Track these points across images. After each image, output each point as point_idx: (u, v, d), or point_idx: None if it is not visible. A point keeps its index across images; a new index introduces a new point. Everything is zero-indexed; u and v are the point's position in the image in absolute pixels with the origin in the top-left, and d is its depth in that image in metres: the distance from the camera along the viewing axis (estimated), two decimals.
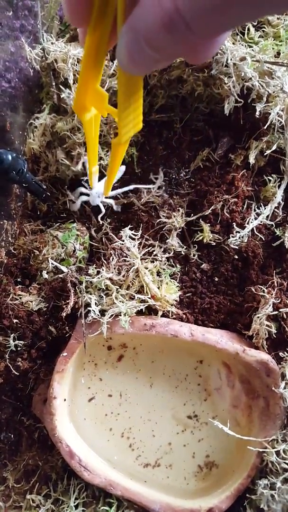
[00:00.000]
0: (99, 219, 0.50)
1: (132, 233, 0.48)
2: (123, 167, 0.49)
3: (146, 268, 0.46)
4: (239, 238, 0.48)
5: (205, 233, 0.48)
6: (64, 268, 0.46)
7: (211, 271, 0.50)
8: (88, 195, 0.49)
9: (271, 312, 0.46)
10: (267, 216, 0.49)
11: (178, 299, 0.48)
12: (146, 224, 0.49)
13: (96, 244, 0.50)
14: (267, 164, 0.49)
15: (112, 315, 0.44)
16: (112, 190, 0.47)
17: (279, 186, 0.49)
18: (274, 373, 0.44)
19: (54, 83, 0.49)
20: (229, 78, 0.45)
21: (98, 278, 0.45)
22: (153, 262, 0.48)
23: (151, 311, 0.47)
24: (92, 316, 0.43)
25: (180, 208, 0.49)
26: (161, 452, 0.48)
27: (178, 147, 0.51)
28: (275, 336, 0.47)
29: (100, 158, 0.49)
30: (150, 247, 0.49)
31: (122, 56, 0.21)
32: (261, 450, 0.44)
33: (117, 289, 0.45)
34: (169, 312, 0.47)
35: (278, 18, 0.50)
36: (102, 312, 0.44)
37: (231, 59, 0.45)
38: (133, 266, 0.46)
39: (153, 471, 0.48)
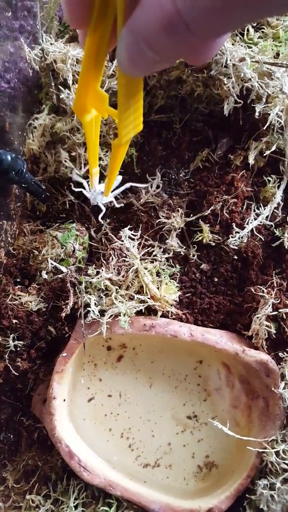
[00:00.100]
0: (99, 219, 0.49)
1: (131, 234, 0.48)
2: (120, 177, 0.49)
3: (146, 268, 0.46)
4: (239, 238, 0.48)
5: (205, 233, 0.48)
6: (63, 268, 0.46)
7: (210, 271, 0.50)
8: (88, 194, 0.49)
9: (270, 312, 0.46)
10: (267, 217, 0.49)
11: (178, 300, 0.48)
12: (146, 224, 0.49)
13: (95, 244, 0.50)
14: (266, 164, 0.49)
15: (111, 316, 0.44)
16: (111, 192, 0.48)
17: (278, 187, 0.49)
18: (274, 374, 0.44)
19: (53, 84, 0.49)
20: (229, 79, 0.45)
21: (98, 278, 0.45)
22: (153, 262, 0.48)
23: (150, 311, 0.47)
24: (91, 317, 0.43)
25: (179, 209, 0.49)
26: (160, 452, 0.48)
27: (177, 147, 0.51)
28: (274, 337, 0.47)
29: (100, 159, 0.49)
30: (150, 248, 0.49)
31: (122, 58, 0.21)
32: (260, 450, 0.44)
33: (116, 289, 0.45)
34: (168, 313, 0.47)
35: (277, 19, 0.50)
36: (102, 313, 0.44)
37: (230, 60, 0.45)
38: (133, 266, 0.46)
39: (152, 471, 0.48)
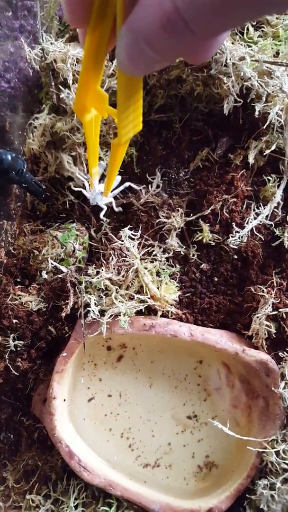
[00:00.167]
0: (101, 216, 0.49)
1: (131, 233, 0.48)
2: (119, 177, 0.49)
3: (146, 268, 0.46)
4: (239, 238, 0.48)
5: (205, 233, 0.48)
6: (63, 268, 0.46)
7: (210, 271, 0.50)
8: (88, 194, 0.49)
9: (270, 312, 0.46)
10: (267, 216, 0.49)
11: (178, 299, 0.48)
12: (146, 224, 0.49)
13: (95, 244, 0.50)
14: (266, 164, 0.49)
15: (111, 315, 0.43)
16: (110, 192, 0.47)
17: (278, 186, 0.49)
18: (274, 373, 0.44)
19: (53, 83, 0.49)
20: (228, 78, 0.45)
21: (98, 278, 0.45)
22: (153, 262, 0.48)
23: (150, 311, 0.47)
24: (91, 316, 0.43)
25: (179, 208, 0.49)
26: (160, 452, 0.48)
27: (177, 147, 0.51)
28: (274, 336, 0.47)
29: (100, 159, 0.49)
30: (150, 247, 0.49)
31: (122, 57, 0.21)
32: (260, 450, 0.44)
33: (116, 289, 0.45)
34: (168, 312, 0.47)
35: (277, 18, 0.50)
36: (102, 312, 0.44)
37: (230, 59, 0.45)
38: (133, 266, 0.46)
39: (152, 471, 0.48)
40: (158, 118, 0.50)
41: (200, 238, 0.49)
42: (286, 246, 0.48)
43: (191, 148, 0.50)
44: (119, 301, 0.44)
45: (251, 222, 0.48)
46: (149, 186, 0.50)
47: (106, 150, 0.50)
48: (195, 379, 0.49)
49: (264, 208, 0.49)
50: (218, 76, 0.46)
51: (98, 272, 0.46)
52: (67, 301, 0.44)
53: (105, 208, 0.49)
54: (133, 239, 0.48)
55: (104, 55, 0.26)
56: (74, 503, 0.46)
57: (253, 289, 0.47)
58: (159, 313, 0.46)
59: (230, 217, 0.49)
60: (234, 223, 0.48)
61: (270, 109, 0.46)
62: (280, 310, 0.46)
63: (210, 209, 0.48)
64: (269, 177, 0.49)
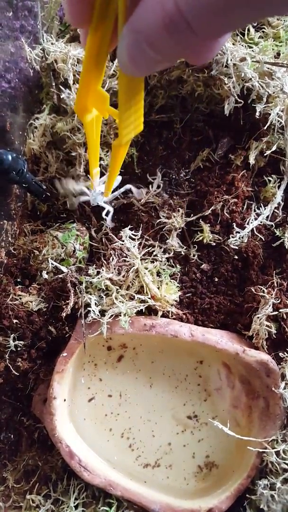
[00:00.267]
0: (103, 215, 0.49)
1: (132, 234, 0.48)
2: (120, 177, 0.48)
3: (146, 268, 0.46)
4: (239, 238, 0.48)
5: (205, 233, 0.48)
6: (64, 268, 0.46)
7: (211, 271, 0.50)
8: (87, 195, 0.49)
9: (271, 312, 0.46)
10: (267, 217, 0.49)
11: (178, 300, 0.48)
12: (146, 224, 0.49)
13: (96, 244, 0.50)
14: (267, 164, 0.49)
15: (112, 315, 0.44)
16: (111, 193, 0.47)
17: (279, 187, 0.49)
18: (274, 374, 0.44)
19: (54, 84, 0.49)
20: (229, 79, 0.45)
21: (98, 278, 0.45)
22: (153, 262, 0.48)
23: (151, 311, 0.47)
24: (92, 317, 0.43)
25: (180, 209, 0.49)
26: (161, 452, 0.48)
27: (178, 147, 0.51)
28: (275, 337, 0.47)
29: (100, 159, 0.48)
30: (150, 248, 0.49)
31: (123, 58, 0.21)
32: (261, 450, 0.44)
33: (117, 289, 0.45)
34: (169, 313, 0.47)
35: (278, 19, 0.50)
36: (102, 313, 0.44)
37: (231, 60, 0.45)
38: (133, 266, 0.46)
39: (153, 471, 0.48)
40: (159, 119, 0.50)
41: (200, 238, 0.49)
42: (286, 247, 0.48)
43: (192, 148, 0.50)
44: (120, 301, 0.44)
45: (251, 222, 0.48)
46: (150, 186, 0.50)
47: (107, 150, 0.50)
48: (196, 379, 0.49)
49: (265, 209, 0.49)
50: (219, 76, 0.46)
51: (98, 272, 0.46)
52: (67, 301, 0.44)
53: (106, 208, 0.49)
54: (133, 239, 0.48)
55: (105, 55, 0.26)
56: (74, 503, 0.46)
57: (253, 290, 0.47)
58: (160, 313, 0.46)
59: (230, 218, 0.49)
60: (234, 224, 0.49)
61: (271, 110, 0.46)
62: (280, 310, 0.46)
63: (210, 209, 0.48)
64: (270, 178, 0.49)
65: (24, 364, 0.45)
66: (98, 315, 0.44)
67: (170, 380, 0.48)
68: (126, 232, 0.48)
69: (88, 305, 0.44)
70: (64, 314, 0.44)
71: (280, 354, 0.47)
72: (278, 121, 0.46)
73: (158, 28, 0.18)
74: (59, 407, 0.44)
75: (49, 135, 0.50)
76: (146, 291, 0.46)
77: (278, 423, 0.45)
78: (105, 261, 0.47)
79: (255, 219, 0.49)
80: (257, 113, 0.46)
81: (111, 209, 0.48)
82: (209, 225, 0.49)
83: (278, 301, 0.46)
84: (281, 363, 0.46)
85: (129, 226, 0.49)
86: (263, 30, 0.50)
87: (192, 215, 0.50)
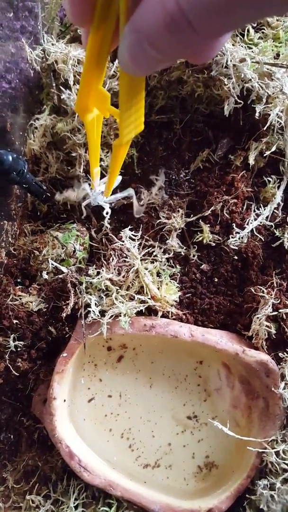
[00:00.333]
0: (104, 214, 0.49)
1: (132, 234, 0.48)
2: (120, 177, 0.48)
3: (146, 268, 0.46)
4: (239, 238, 0.48)
5: (205, 233, 0.49)
6: (64, 269, 0.46)
7: (210, 271, 0.50)
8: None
9: (270, 312, 0.46)
10: (267, 217, 0.49)
11: (178, 300, 0.48)
12: (146, 224, 0.49)
13: (96, 245, 0.50)
14: (266, 165, 0.50)
15: (112, 316, 0.44)
16: (112, 194, 0.47)
17: (278, 187, 0.49)
18: (274, 374, 0.44)
19: (54, 84, 0.50)
20: (229, 79, 0.45)
21: (98, 278, 0.45)
22: (153, 262, 0.48)
23: (151, 311, 0.47)
24: (92, 317, 0.43)
25: (180, 209, 0.49)
26: (160, 452, 0.48)
27: (178, 148, 0.51)
28: (274, 337, 0.47)
29: (100, 160, 0.49)
30: (150, 248, 0.49)
31: (124, 57, 0.21)
32: (260, 450, 0.44)
33: (117, 289, 0.45)
34: (169, 313, 0.47)
35: (277, 20, 0.50)
36: (102, 313, 0.44)
37: (231, 61, 0.45)
38: (133, 266, 0.46)
39: (152, 472, 0.48)
40: (159, 119, 0.50)
41: (200, 238, 0.49)
42: (286, 247, 0.48)
43: (192, 149, 0.51)
44: (120, 302, 0.44)
45: (251, 223, 0.48)
46: (149, 187, 0.50)
47: (107, 151, 0.50)
48: (195, 379, 0.49)
49: (264, 209, 0.49)
50: (219, 77, 0.46)
51: (98, 273, 0.46)
52: (67, 302, 0.44)
53: (107, 207, 0.48)
54: (133, 239, 0.48)
55: (106, 55, 0.26)
56: (74, 503, 0.46)
57: (253, 290, 0.47)
58: (160, 313, 0.46)
59: (230, 218, 0.49)
60: (234, 224, 0.49)
61: (271, 110, 0.46)
62: (280, 310, 0.46)
63: (210, 210, 0.48)
64: (269, 178, 0.49)
65: (24, 364, 0.45)
66: (98, 316, 0.44)
67: (170, 380, 0.48)
68: (126, 232, 0.48)
69: (88, 305, 0.44)
70: (64, 315, 0.44)
71: (280, 354, 0.47)
72: (278, 121, 0.47)
73: (159, 27, 0.18)
74: (59, 408, 0.44)
75: (50, 136, 0.50)
76: (146, 292, 0.46)
77: (277, 423, 0.45)
78: (105, 262, 0.47)
79: (255, 219, 0.49)
80: (257, 114, 0.46)
81: (109, 209, 0.48)
82: (209, 225, 0.49)
83: (278, 302, 0.47)
84: (281, 363, 0.46)
85: (129, 227, 0.49)
86: (262, 31, 0.50)
87: (192, 215, 0.50)
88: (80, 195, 0.48)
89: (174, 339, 0.44)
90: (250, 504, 0.45)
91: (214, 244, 0.49)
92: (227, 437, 0.44)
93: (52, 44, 0.49)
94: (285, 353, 0.47)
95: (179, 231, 0.50)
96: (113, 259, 0.47)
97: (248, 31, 0.49)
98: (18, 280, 0.48)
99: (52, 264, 0.46)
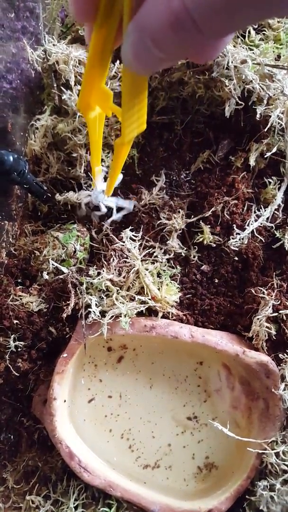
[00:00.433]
0: (96, 217, 0.49)
1: (132, 235, 0.48)
2: (121, 176, 0.48)
3: (147, 269, 0.46)
4: (239, 239, 0.48)
5: (205, 234, 0.49)
6: (64, 269, 0.46)
7: (211, 272, 0.50)
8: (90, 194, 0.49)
9: (271, 313, 0.46)
10: (267, 218, 0.49)
11: (178, 301, 0.48)
12: (147, 225, 0.49)
13: (96, 245, 0.50)
14: (267, 166, 0.50)
15: (112, 316, 0.44)
16: (113, 195, 0.47)
17: (279, 188, 0.49)
18: (274, 375, 0.45)
19: (55, 85, 0.50)
20: (230, 81, 0.45)
21: (99, 279, 0.45)
22: (154, 263, 0.48)
23: (151, 312, 0.47)
24: (92, 317, 0.43)
25: (180, 210, 0.49)
26: (160, 453, 0.48)
27: (178, 149, 0.51)
28: (275, 338, 0.47)
29: (101, 160, 0.49)
30: (151, 249, 0.49)
31: (128, 55, 0.21)
32: (260, 451, 0.44)
33: (117, 290, 0.45)
34: (169, 314, 0.47)
35: (278, 22, 0.50)
36: (103, 313, 0.44)
37: (232, 62, 0.45)
38: (134, 267, 0.46)
39: (152, 472, 0.48)
40: (160, 120, 0.50)
41: (201, 239, 0.49)
42: (286, 248, 0.48)
43: (193, 150, 0.51)
44: (120, 302, 0.44)
45: (251, 224, 0.48)
46: (150, 187, 0.50)
47: (108, 151, 0.50)
48: (196, 380, 0.49)
49: (265, 210, 0.49)
50: (220, 78, 0.46)
51: (99, 273, 0.46)
52: (68, 302, 0.44)
53: (105, 210, 0.49)
54: (134, 240, 0.48)
55: (110, 53, 0.26)
56: (74, 504, 0.46)
57: (253, 291, 0.47)
58: (160, 314, 0.46)
59: (230, 219, 0.49)
60: (234, 225, 0.49)
61: (271, 112, 0.46)
62: (280, 311, 0.46)
63: (211, 211, 0.48)
64: (270, 180, 0.49)
65: (24, 364, 0.45)
66: (98, 316, 0.44)
67: (170, 381, 0.49)
68: (127, 233, 0.48)
69: (88, 306, 0.44)
70: (64, 315, 0.44)
71: (280, 355, 0.47)
72: (279, 123, 0.47)
73: (163, 26, 0.18)
74: (59, 408, 0.44)
75: (50, 136, 0.50)
76: (147, 292, 0.46)
77: (277, 424, 0.45)
78: (105, 262, 0.47)
79: (255, 220, 0.49)
80: (258, 115, 0.46)
81: (114, 204, 0.48)
82: (209, 226, 0.49)
83: (278, 303, 0.47)
84: (281, 364, 0.46)
85: (130, 227, 0.49)
86: (263, 32, 0.50)
87: (192, 216, 0.50)
88: (81, 195, 0.48)
89: (175, 339, 0.44)
90: (250, 505, 0.45)
91: (214, 245, 0.49)
92: (227, 438, 0.44)
93: (53, 45, 0.49)
94: (285, 354, 0.47)
95: (180, 232, 0.50)
96: (113, 259, 0.47)
97: (249, 32, 0.49)
98: (19, 280, 0.48)
99: (52, 264, 0.46)
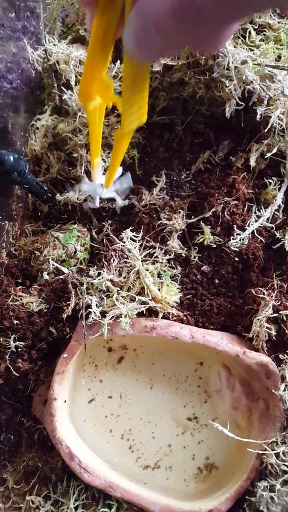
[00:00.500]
0: (88, 206, 0.48)
1: (133, 235, 0.48)
2: (120, 169, 0.47)
3: (147, 269, 0.46)
4: (240, 240, 0.48)
5: (206, 235, 0.49)
6: (65, 269, 0.46)
7: (211, 273, 0.50)
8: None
9: (271, 314, 0.46)
10: (268, 219, 0.49)
11: (179, 301, 0.48)
12: (147, 225, 0.49)
13: (97, 246, 0.50)
14: (267, 167, 0.50)
15: (112, 317, 0.44)
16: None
17: (279, 189, 0.49)
18: (274, 375, 0.45)
19: (56, 85, 0.50)
20: (231, 81, 0.45)
21: (99, 279, 0.45)
22: (154, 263, 0.48)
23: (151, 312, 0.47)
24: (92, 318, 0.43)
25: (181, 210, 0.49)
26: (161, 454, 0.48)
27: (179, 149, 0.51)
28: (275, 338, 0.47)
29: (102, 160, 0.49)
30: (151, 249, 0.49)
31: (129, 43, 0.20)
32: (260, 452, 0.44)
33: (118, 290, 0.45)
34: (169, 314, 0.47)
35: (279, 22, 0.50)
36: (103, 314, 0.44)
37: (232, 62, 0.45)
38: (134, 267, 0.46)
39: (153, 473, 0.48)
40: (160, 120, 0.50)
41: (201, 240, 0.49)
42: (286, 249, 0.48)
43: (193, 150, 0.51)
44: (120, 303, 0.44)
45: (252, 224, 0.48)
46: (150, 188, 0.50)
47: (108, 152, 0.50)
48: (196, 381, 0.49)
49: (265, 211, 0.49)
50: (220, 79, 0.46)
51: (99, 273, 0.46)
52: (68, 302, 0.44)
53: (97, 205, 0.47)
54: (134, 240, 0.48)
55: (111, 41, 0.25)
56: (74, 504, 0.46)
57: (253, 291, 0.47)
58: (160, 314, 0.46)
59: (231, 220, 0.49)
60: (235, 226, 0.49)
61: (272, 112, 0.46)
62: (280, 312, 0.46)
63: (211, 211, 0.48)
64: (270, 180, 0.49)
65: (25, 365, 0.45)
66: (99, 316, 0.44)
67: (170, 381, 0.48)
68: (127, 233, 0.48)
69: (89, 306, 0.44)
70: (65, 315, 0.44)
71: (280, 356, 0.47)
72: (279, 123, 0.47)
73: (166, 12, 0.18)
74: (60, 408, 0.44)
75: (51, 136, 0.50)
76: (147, 293, 0.46)
77: (278, 425, 0.45)
78: (106, 262, 0.47)
79: (256, 221, 0.49)
80: (258, 116, 0.46)
81: (116, 195, 0.48)
82: (209, 227, 0.49)
83: (278, 303, 0.47)
84: (281, 365, 0.46)
85: (130, 228, 0.49)
86: (264, 33, 0.50)
87: (193, 216, 0.50)
88: (80, 189, 0.48)
89: (175, 340, 0.44)
90: (250, 506, 0.45)
91: (215, 246, 0.49)
92: (227, 439, 0.44)
93: (54, 45, 0.49)
94: (285, 354, 0.47)
95: (180, 232, 0.50)
96: (114, 260, 0.47)
97: (249, 33, 0.49)
98: (19, 280, 0.48)
99: (53, 264, 0.46)
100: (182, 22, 0.18)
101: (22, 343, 0.44)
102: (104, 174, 0.46)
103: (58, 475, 0.49)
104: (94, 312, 0.43)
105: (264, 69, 0.46)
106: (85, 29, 0.50)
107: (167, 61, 0.48)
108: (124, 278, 0.46)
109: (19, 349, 0.44)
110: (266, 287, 0.47)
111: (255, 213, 0.49)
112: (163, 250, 0.49)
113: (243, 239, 0.48)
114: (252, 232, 0.49)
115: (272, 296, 0.47)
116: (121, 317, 0.43)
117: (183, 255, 0.50)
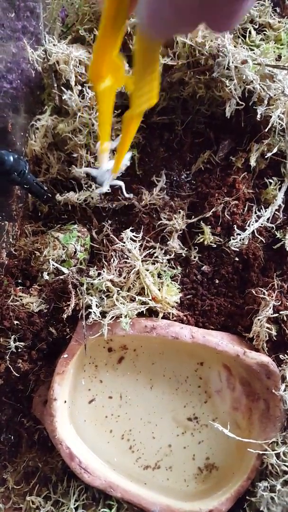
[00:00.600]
0: (97, 192, 0.47)
1: (133, 235, 0.48)
2: (130, 154, 0.44)
3: (147, 270, 0.46)
4: (240, 240, 0.48)
5: (206, 235, 0.49)
6: (65, 270, 0.46)
7: (211, 273, 0.50)
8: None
9: (271, 314, 0.46)
10: (268, 219, 0.49)
11: (179, 301, 0.48)
12: (147, 226, 0.49)
13: (97, 246, 0.50)
14: (268, 166, 0.50)
15: (112, 317, 0.44)
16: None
17: (279, 189, 0.49)
18: (274, 376, 0.44)
19: (55, 85, 0.50)
20: (231, 81, 0.45)
21: (99, 279, 0.45)
22: (154, 264, 0.48)
23: (151, 313, 0.47)
24: (92, 318, 0.43)
25: (181, 210, 0.49)
26: (161, 454, 0.48)
27: (179, 149, 0.51)
28: (275, 339, 0.47)
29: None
30: (151, 249, 0.49)
31: (142, 17, 0.20)
32: (261, 452, 0.44)
33: (118, 290, 0.45)
34: (169, 314, 0.47)
35: (279, 22, 0.50)
36: (103, 314, 0.44)
37: (232, 62, 0.45)
38: (134, 268, 0.46)
39: (153, 473, 0.48)
40: (160, 120, 0.50)
41: (201, 240, 0.49)
42: (287, 249, 0.48)
43: (193, 150, 0.51)
44: (121, 303, 0.44)
45: (252, 224, 0.48)
46: (151, 188, 0.50)
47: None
48: (196, 381, 0.49)
49: (266, 211, 0.49)
50: (221, 79, 0.46)
51: (99, 274, 0.46)
52: (68, 303, 0.44)
53: (107, 190, 0.46)
54: (134, 240, 0.48)
55: (123, 20, 0.24)
56: (74, 504, 0.46)
57: (254, 292, 0.47)
58: (160, 315, 0.46)
59: (231, 220, 0.49)
60: (235, 226, 0.49)
61: (272, 112, 0.46)
62: (281, 312, 0.46)
63: (211, 211, 0.48)
64: (271, 180, 0.49)
65: (25, 365, 0.45)
66: (99, 317, 0.44)
67: (171, 381, 0.48)
68: (127, 233, 0.48)
69: (89, 306, 0.44)
70: (65, 316, 0.44)
71: (281, 356, 0.47)
72: (279, 123, 0.47)
73: None
74: (60, 409, 0.44)
75: (51, 136, 0.50)
76: (147, 293, 0.46)
77: (278, 425, 0.45)
78: (106, 263, 0.47)
79: (256, 221, 0.49)
80: (258, 116, 0.46)
81: (122, 184, 0.46)
82: (210, 227, 0.49)
83: (279, 303, 0.47)
84: (282, 365, 0.46)
85: (130, 228, 0.49)
86: (264, 32, 0.50)
87: (193, 216, 0.50)
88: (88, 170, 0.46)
89: (175, 340, 0.44)
90: (250, 506, 0.45)
91: (215, 246, 0.49)
92: (228, 439, 0.44)
93: (54, 45, 0.49)
94: (285, 355, 0.47)
95: (180, 232, 0.50)
96: (114, 260, 0.47)
97: (250, 32, 0.49)
98: (19, 280, 0.48)
99: (53, 265, 0.46)
100: None
101: (22, 343, 0.44)
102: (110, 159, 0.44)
103: (58, 475, 0.49)
104: (94, 313, 0.43)
105: (265, 69, 0.46)
106: (85, 29, 0.50)
107: (167, 61, 0.48)
108: (124, 278, 0.46)
109: (19, 350, 0.44)
110: (266, 287, 0.47)
111: (255, 213, 0.49)
112: (163, 250, 0.49)
113: (243, 239, 0.48)
114: (253, 232, 0.48)
115: (272, 296, 0.47)
116: (121, 317, 0.43)
117: (183, 255, 0.50)
